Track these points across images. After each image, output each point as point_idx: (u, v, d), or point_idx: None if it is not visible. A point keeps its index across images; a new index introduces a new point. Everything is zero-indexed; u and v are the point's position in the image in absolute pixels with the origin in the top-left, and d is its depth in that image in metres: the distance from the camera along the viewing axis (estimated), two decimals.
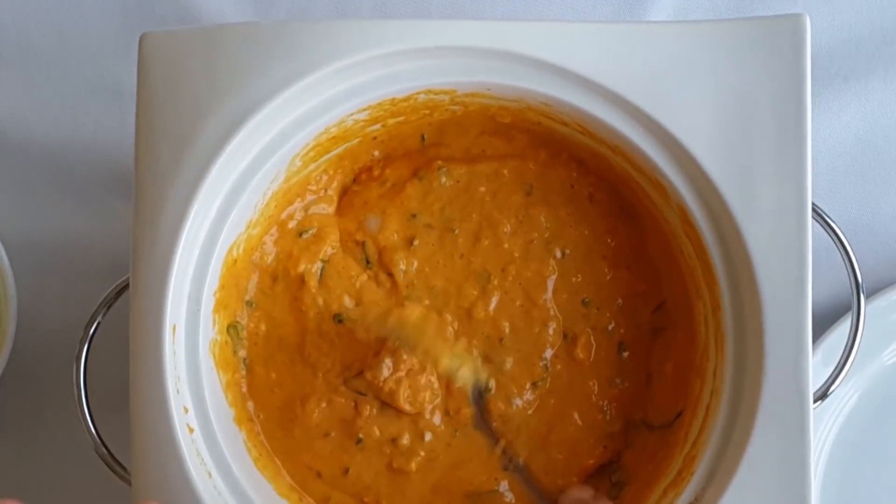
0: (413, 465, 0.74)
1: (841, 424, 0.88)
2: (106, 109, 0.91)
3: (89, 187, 0.90)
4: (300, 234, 0.75)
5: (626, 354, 0.75)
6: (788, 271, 0.67)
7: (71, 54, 0.91)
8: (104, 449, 0.72)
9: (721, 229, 0.68)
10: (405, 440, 0.74)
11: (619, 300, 0.76)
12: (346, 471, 0.74)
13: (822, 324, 0.86)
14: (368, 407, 0.74)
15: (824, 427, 0.87)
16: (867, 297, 0.82)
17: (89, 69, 0.91)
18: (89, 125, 0.91)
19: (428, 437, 0.74)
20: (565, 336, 0.75)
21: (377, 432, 0.74)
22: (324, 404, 0.74)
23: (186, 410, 0.69)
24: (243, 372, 0.75)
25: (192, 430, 0.69)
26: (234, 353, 0.74)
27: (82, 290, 0.89)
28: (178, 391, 0.69)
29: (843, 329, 0.85)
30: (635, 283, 0.76)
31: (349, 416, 0.74)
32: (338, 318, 0.75)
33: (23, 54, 0.91)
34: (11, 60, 0.91)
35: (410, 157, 0.77)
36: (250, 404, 0.75)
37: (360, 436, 0.74)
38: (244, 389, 0.75)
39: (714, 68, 0.68)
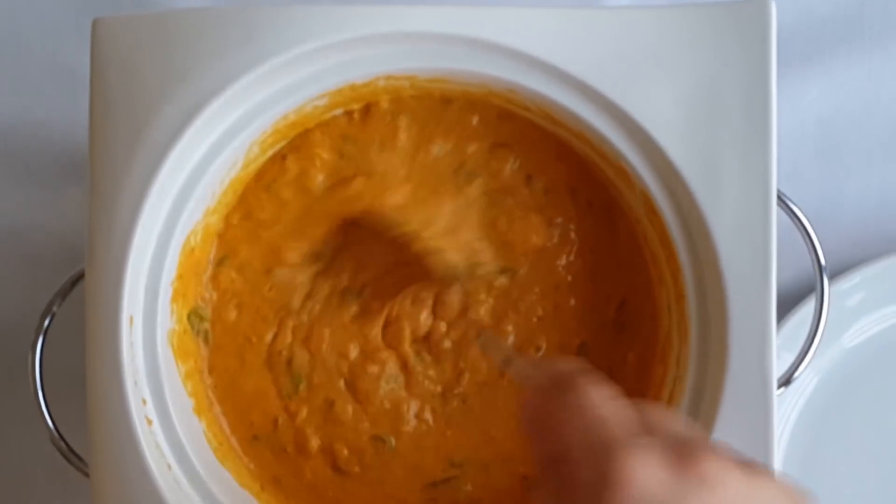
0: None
1: (801, 408, 0.88)
2: (59, 93, 0.89)
3: (43, 172, 0.89)
4: None
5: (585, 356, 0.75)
6: (753, 259, 0.67)
7: (23, 36, 0.89)
8: (62, 442, 0.71)
9: (685, 217, 0.68)
10: None
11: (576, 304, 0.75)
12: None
13: (783, 306, 0.85)
14: None
15: (785, 411, 0.88)
16: (829, 281, 0.82)
17: (42, 52, 0.89)
18: (42, 109, 0.89)
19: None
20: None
21: None
22: None
23: (145, 402, 0.68)
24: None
25: (150, 423, 0.68)
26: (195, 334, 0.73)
27: (38, 278, 0.87)
28: (135, 383, 0.68)
29: (803, 312, 0.85)
30: (598, 286, 0.75)
31: None
32: None
33: None
34: None
35: None
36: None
37: None
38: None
39: (678, 54, 0.67)
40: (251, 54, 0.67)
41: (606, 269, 0.75)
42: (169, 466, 0.68)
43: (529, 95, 0.69)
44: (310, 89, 0.69)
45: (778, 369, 0.68)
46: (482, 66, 0.68)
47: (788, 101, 0.89)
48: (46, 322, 0.71)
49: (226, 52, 0.67)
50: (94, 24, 0.67)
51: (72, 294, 0.72)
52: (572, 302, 0.75)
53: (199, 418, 0.72)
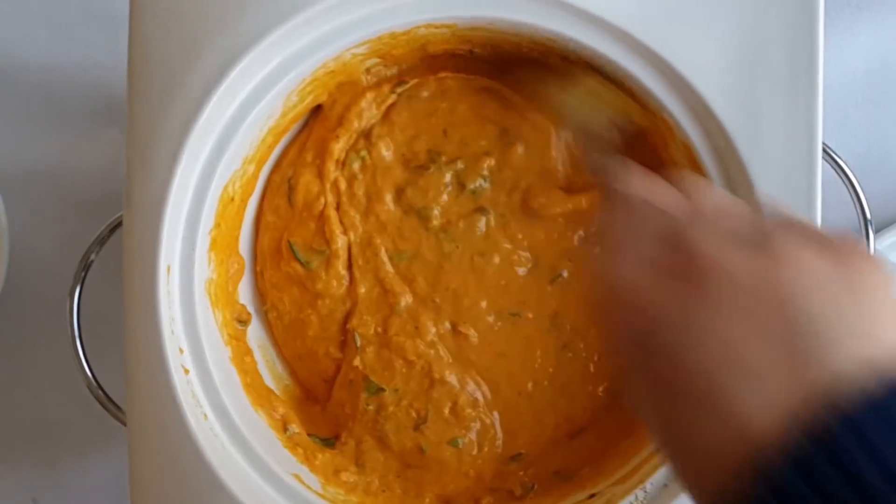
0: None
1: None
2: (98, 37, 0.89)
3: (82, 115, 0.89)
4: None
5: None
6: (797, 212, 0.65)
7: None
8: (100, 390, 0.71)
9: (727, 168, 0.67)
10: None
11: None
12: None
13: None
14: None
15: None
16: (875, 235, 0.80)
17: None
18: (80, 51, 0.89)
19: None
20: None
21: None
22: None
23: (182, 351, 0.68)
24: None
25: (187, 372, 0.68)
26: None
27: (77, 221, 0.88)
28: (172, 332, 0.68)
29: None
30: None
31: None
32: None
33: None
34: None
35: None
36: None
37: None
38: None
39: (723, 4, 0.66)
40: (291, 1, 0.66)
41: None
42: (205, 416, 0.68)
43: (571, 45, 0.68)
44: (350, 37, 0.68)
45: None
46: (523, 14, 0.67)
47: (835, 50, 0.87)
48: (84, 269, 0.71)
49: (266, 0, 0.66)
50: None
51: (110, 241, 0.72)
52: None
53: (236, 367, 0.72)
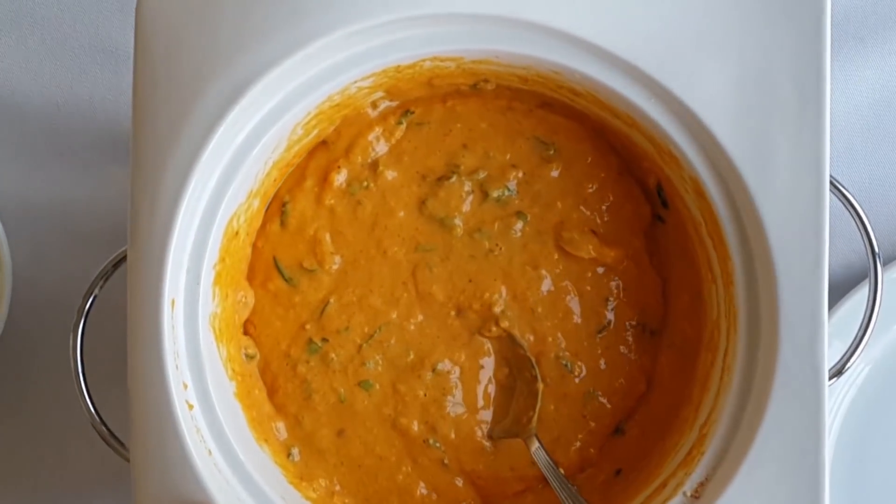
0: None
1: (852, 397, 0.86)
2: (103, 71, 0.89)
3: (86, 150, 0.89)
4: None
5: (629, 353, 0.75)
6: (804, 245, 0.65)
7: (67, 15, 0.89)
8: (103, 426, 0.70)
9: (734, 201, 0.66)
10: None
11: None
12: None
13: (834, 293, 0.83)
14: None
15: (835, 402, 0.86)
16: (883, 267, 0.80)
17: (86, 30, 0.89)
18: (86, 87, 0.89)
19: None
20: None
21: None
22: None
23: (186, 386, 0.68)
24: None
25: (191, 407, 0.68)
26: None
27: (80, 257, 0.87)
28: (177, 367, 0.67)
29: (856, 299, 0.83)
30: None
31: None
32: None
33: (18, 15, 0.89)
34: (6, 21, 0.89)
35: None
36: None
37: None
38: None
39: (728, 35, 0.66)
40: (297, 35, 0.66)
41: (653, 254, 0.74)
42: (209, 451, 0.68)
43: (577, 78, 0.67)
44: (355, 70, 0.68)
45: (829, 359, 0.66)
46: (530, 48, 0.67)
47: (841, 82, 0.87)
48: (88, 303, 0.70)
49: (271, 32, 0.66)
50: (139, 1, 0.67)
51: (113, 276, 0.72)
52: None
53: (240, 402, 0.72)
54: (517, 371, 0.74)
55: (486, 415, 0.75)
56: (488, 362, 0.75)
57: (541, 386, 0.73)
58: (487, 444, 0.74)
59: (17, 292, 0.84)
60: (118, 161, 0.88)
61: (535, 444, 0.71)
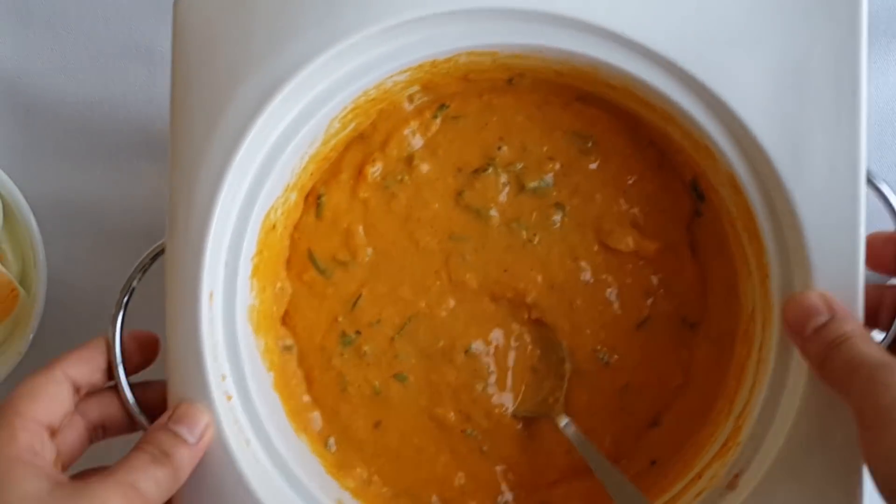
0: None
1: None
2: (137, 71, 0.90)
3: (120, 149, 0.89)
4: None
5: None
6: (840, 241, 0.65)
7: (101, 15, 0.90)
8: (142, 417, 0.70)
9: (770, 197, 0.66)
10: None
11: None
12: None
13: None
14: None
15: None
16: None
17: (119, 29, 0.90)
18: (120, 87, 0.90)
19: None
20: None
21: None
22: None
23: (224, 378, 0.68)
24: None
25: (230, 398, 0.68)
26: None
27: (113, 255, 0.88)
28: (215, 359, 0.68)
29: None
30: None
31: None
32: None
33: (53, 15, 0.90)
34: (42, 21, 0.90)
35: None
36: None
37: None
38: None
39: (764, 29, 0.66)
40: (332, 30, 0.66)
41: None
42: (248, 442, 0.68)
43: (614, 73, 0.68)
44: (390, 65, 0.68)
45: None
46: (565, 42, 0.67)
47: (874, 78, 0.87)
48: (126, 297, 0.71)
49: (307, 28, 0.66)
50: (176, 2, 0.67)
51: (151, 269, 0.72)
52: None
53: (279, 393, 0.72)
54: (546, 355, 0.74)
55: (517, 399, 0.75)
56: (520, 347, 0.75)
57: (568, 367, 0.74)
58: (519, 426, 0.75)
59: (53, 289, 0.84)
60: (152, 159, 0.88)
61: (564, 420, 0.72)
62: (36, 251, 0.84)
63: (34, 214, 0.85)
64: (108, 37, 0.90)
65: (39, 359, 0.82)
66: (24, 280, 0.86)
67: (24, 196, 0.86)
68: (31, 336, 0.84)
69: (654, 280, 0.74)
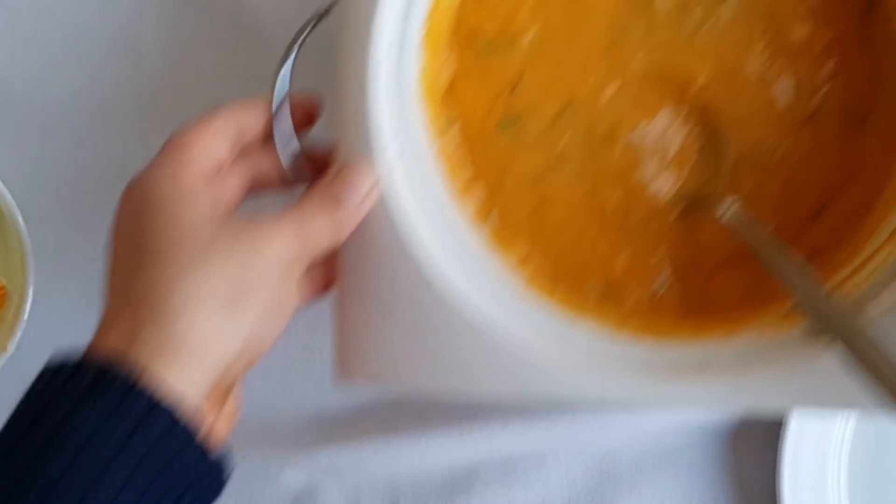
0: None
1: None
2: (124, 68, 0.87)
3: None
4: None
5: None
6: None
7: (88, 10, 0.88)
8: (305, 173, 0.70)
9: None
10: None
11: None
12: None
13: None
14: None
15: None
16: None
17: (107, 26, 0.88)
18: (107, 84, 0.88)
19: None
20: None
21: None
22: None
23: (391, 141, 0.68)
24: None
25: (395, 162, 0.68)
26: None
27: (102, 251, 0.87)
28: (383, 123, 0.67)
29: None
30: None
31: None
32: None
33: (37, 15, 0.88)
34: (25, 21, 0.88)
35: None
36: None
37: None
38: None
39: None
40: None
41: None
42: (411, 206, 0.68)
43: None
44: None
45: None
46: None
47: None
48: (296, 48, 0.69)
49: None
50: None
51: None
52: None
53: (441, 164, 0.72)
54: (708, 143, 0.73)
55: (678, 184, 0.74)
56: (682, 134, 0.74)
57: (731, 153, 0.73)
58: (679, 212, 0.74)
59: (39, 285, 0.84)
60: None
61: (727, 203, 0.71)
62: (24, 247, 0.83)
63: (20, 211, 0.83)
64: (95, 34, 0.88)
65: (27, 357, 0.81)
66: (11, 277, 0.85)
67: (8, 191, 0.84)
68: (19, 335, 0.83)
69: (826, 73, 0.73)
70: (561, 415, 0.84)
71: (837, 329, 0.62)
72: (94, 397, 0.54)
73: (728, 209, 0.71)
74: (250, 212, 0.64)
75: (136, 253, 0.61)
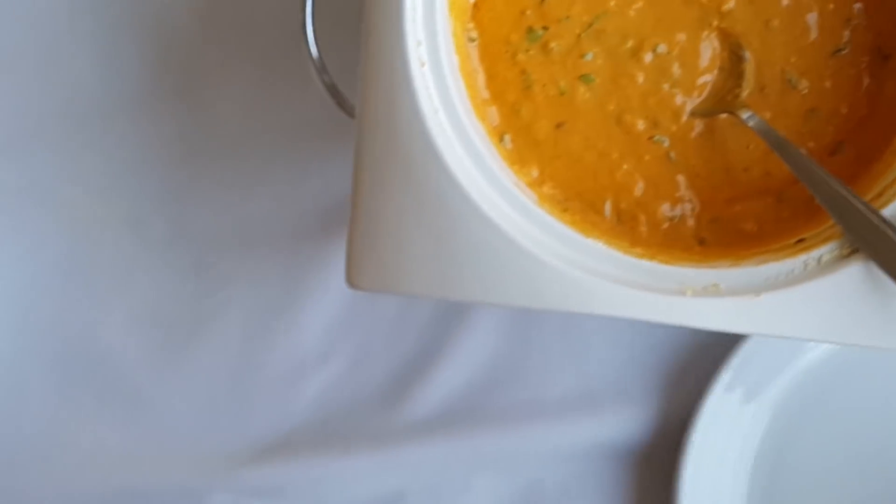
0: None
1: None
2: None
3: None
4: None
5: None
6: None
7: None
8: (326, 75, 0.70)
9: None
10: None
11: None
12: None
13: None
14: None
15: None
16: None
17: None
18: None
19: None
20: None
21: None
22: None
23: (419, 44, 0.68)
24: None
25: (423, 64, 0.68)
26: None
27: None
28: (413, 20, 0.67)
29: None
30: None
31: None
32: None
33: None
34: None
35: None
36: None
37: None
38: None
39: None
40: None
41: None
42: (436, 110, 0.68)
43: None
44: None
45: None
46: None
47: None
48: None
49: None
50: None
51: None
52: None
53: (463, 76, 0.72)
54: (733, 62, 0.73)
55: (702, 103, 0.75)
56: (707, 49, 0.74)
57: (751, 65, 0.73)
58: (701, 128, 0.74)
59: None
60: None
61: (747, 113, 0.71)
62: None
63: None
64: None
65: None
66: None
67: None
68: None
69: (856, 7, 0.73)
70: (488, 437, 0.86)
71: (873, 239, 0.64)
72: None
73: (750, 117, 0.71)
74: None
75: None
